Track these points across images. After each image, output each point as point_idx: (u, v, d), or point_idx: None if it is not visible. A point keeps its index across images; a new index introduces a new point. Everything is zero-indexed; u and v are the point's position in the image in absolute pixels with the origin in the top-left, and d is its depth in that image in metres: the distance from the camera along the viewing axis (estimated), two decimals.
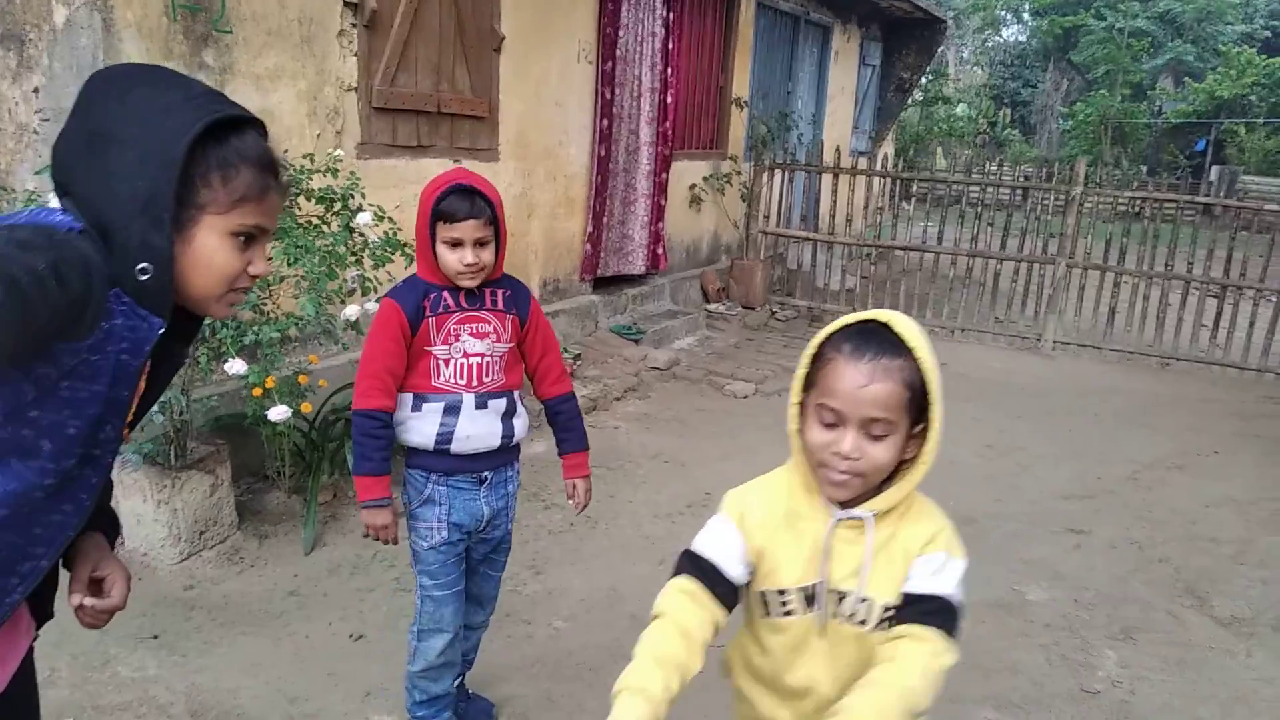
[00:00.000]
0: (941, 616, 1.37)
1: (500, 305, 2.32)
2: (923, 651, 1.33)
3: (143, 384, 1.29)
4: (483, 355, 2.29)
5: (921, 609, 1.37)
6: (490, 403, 2.32)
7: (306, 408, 3.60)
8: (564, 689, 2.90)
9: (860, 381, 1.33)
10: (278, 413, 3.36)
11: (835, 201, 8.68)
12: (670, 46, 7.32)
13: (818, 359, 1.41)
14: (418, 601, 2.43)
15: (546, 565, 3.66)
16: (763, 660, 1.53)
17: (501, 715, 2.76)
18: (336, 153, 3.97)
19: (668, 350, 7.04)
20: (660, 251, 7.66)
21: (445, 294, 2.26)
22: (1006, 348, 8.09)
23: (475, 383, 2.30)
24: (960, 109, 24.99)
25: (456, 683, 2.58)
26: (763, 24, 9.25)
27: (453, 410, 2.28)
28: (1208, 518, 4.59)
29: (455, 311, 2.27)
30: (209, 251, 1.22)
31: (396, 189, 4.82)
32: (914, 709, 1.28)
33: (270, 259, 1.33)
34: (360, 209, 3.75)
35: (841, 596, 1.43)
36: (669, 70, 7.35)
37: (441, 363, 2.27)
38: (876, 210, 8.84)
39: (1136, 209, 8.62)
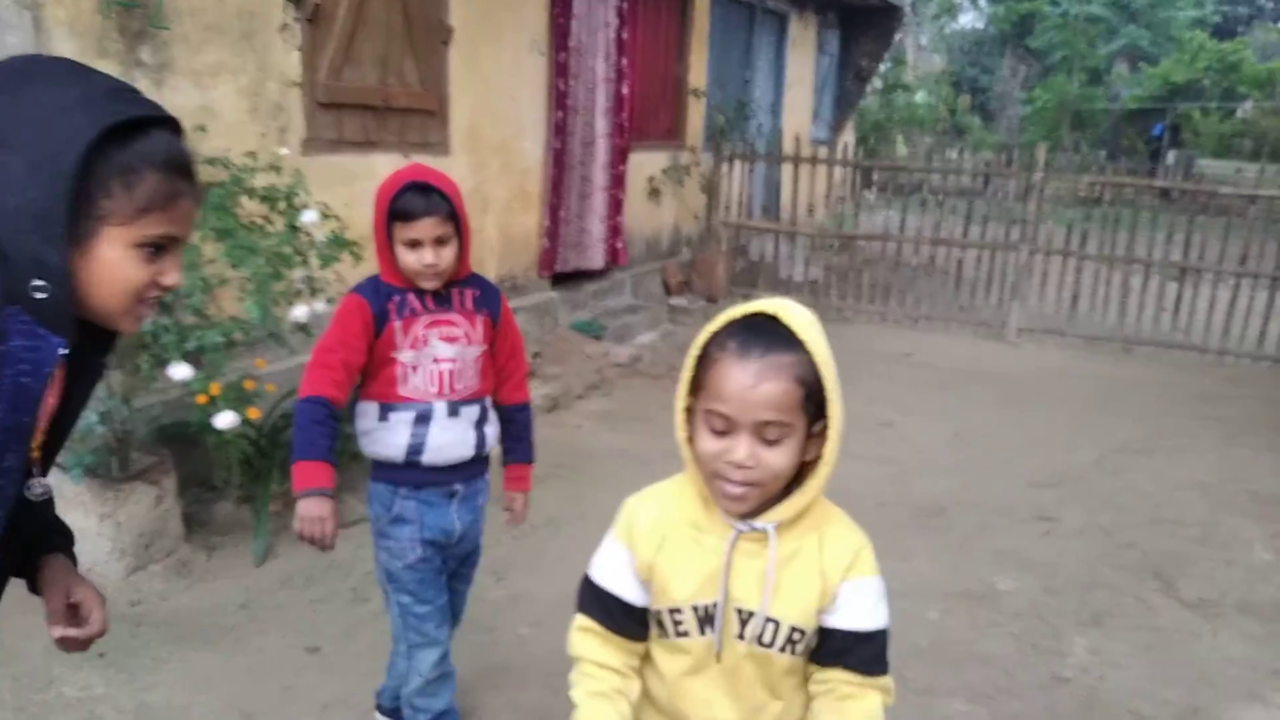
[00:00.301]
0: (882, 656, 1.33)
1: (470, 305, 2.23)
2: (878, 704, 1.30)
3: (52, 401, 1.20)
4: (454, 360, 2.20)
5: (866, 653, 1.31)
6: (463, 410, 2.23)
7: (254, 414, 3.48)
8: (530, 696, 2.83)
9: (748, 382, 1.21)
10: (224, 420, 3.24)
11: (796, 191, 8.64)
12: (624, 37, 7.23)
13: (703, 360, 1.28)
14: (398, 620, 2.32)
15: (510, 570, 3.57)
16: (659, 687, 1.41)
17: None
18: (280, 150, 3.85)
19: (630, 346, 6.96)
20: (620, 246, 7.58)
21: (411, 296, 2.16)
22: (971, 336, 8.10)
23: (447, 390, 2.20)
24: (920, 96, 25.07)
25: None
26: (718, 13, 9.18)
27: (424, 419, 2.19)
28: (1173, 501, 4.60)
29: (423, 314, 2.17)
30: (111, 265, 1.13)
31: (344, 186, 4.69)
32: None
33: (185, 268, 1.23)
34: (306, 207, 3.64)
35: (745, 618, 1.32)
36: (624, 61, 7.25)
37: (410, 369, 2.17)
38: (838, 200, 8.81)
39: (1096, 194, 8.65)
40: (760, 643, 1.32)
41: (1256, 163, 9.64)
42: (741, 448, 1.23)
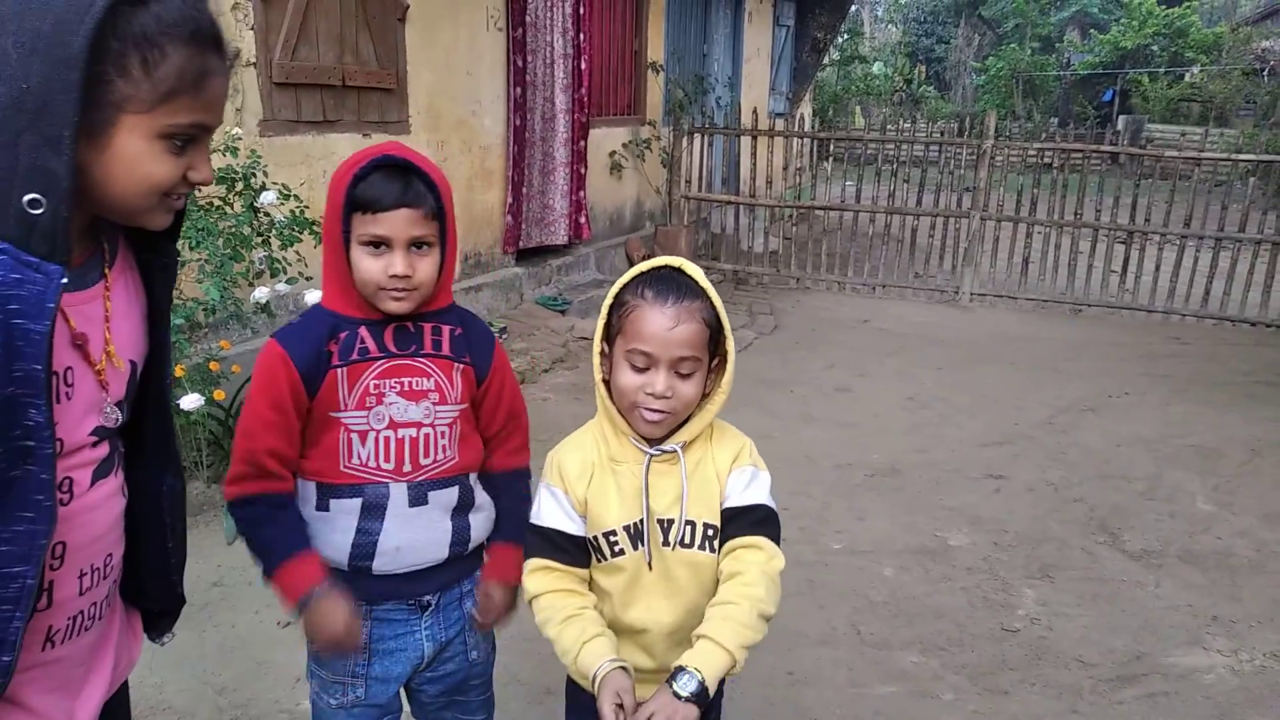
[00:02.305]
0: (765, 525, 1.48)
1: (447, 349, 1.59)
2: (759, 560, 1.44)
3: (107, 331, 1.07)
4: (419, 424, 1.56)
5: (746, 520, 1.48)
6: (432, 495, 1.59)
7: (220, 395, 3.52)
8: (498, 659, 2.89)
9: (668, 325, 1.41)
10: (190, 401, 3.27)
11: (755, 164, 8.71)
12: (581, 11, 7.23)
13: (620, 307, 1.47)
14: None
15: None
16: (604, 606, 1.55)
17: None
18: (234, 131, 3.85)
19: (594, 320, 7.00)
20: (583, 220, 7.62)
21: (363, 331, 1.53)
22: (926, 302, 8.25)
23: (408, 466, 1.56)
24: (876, 68, 25.21)
25: None
26: None
27: (374, 509, 1.55)
28: (1119, 457, 4.76)
29: (379, 359, 1.54)
30: (132, 161, 0.96)
31: (303, 166, 4.70)
32: (764, 614, 1.40)
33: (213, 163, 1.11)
34: (264, 188, 3.65)
35: (667, 526, 1.50)
36: (581, 36, 7.26)
37: (356, 436, 1.53)
38: (796, 171, 8.90)
39: (1047, 160, 8.82)
40: (683, 544, 1.50)
41: (1203, 127, 9.86)
42: (660, 380, 1.43)
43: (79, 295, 1.05)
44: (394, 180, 1.47)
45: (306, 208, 3.84)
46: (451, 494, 1.62)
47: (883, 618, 3.20)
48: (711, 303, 1.46)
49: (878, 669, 2.91)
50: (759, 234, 9.38)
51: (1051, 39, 30.17)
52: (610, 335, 1.50)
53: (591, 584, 1.57)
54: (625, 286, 1.48)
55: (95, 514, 1.12)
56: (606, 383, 1.52)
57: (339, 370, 1.51)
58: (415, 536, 1.58)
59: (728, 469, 1.52)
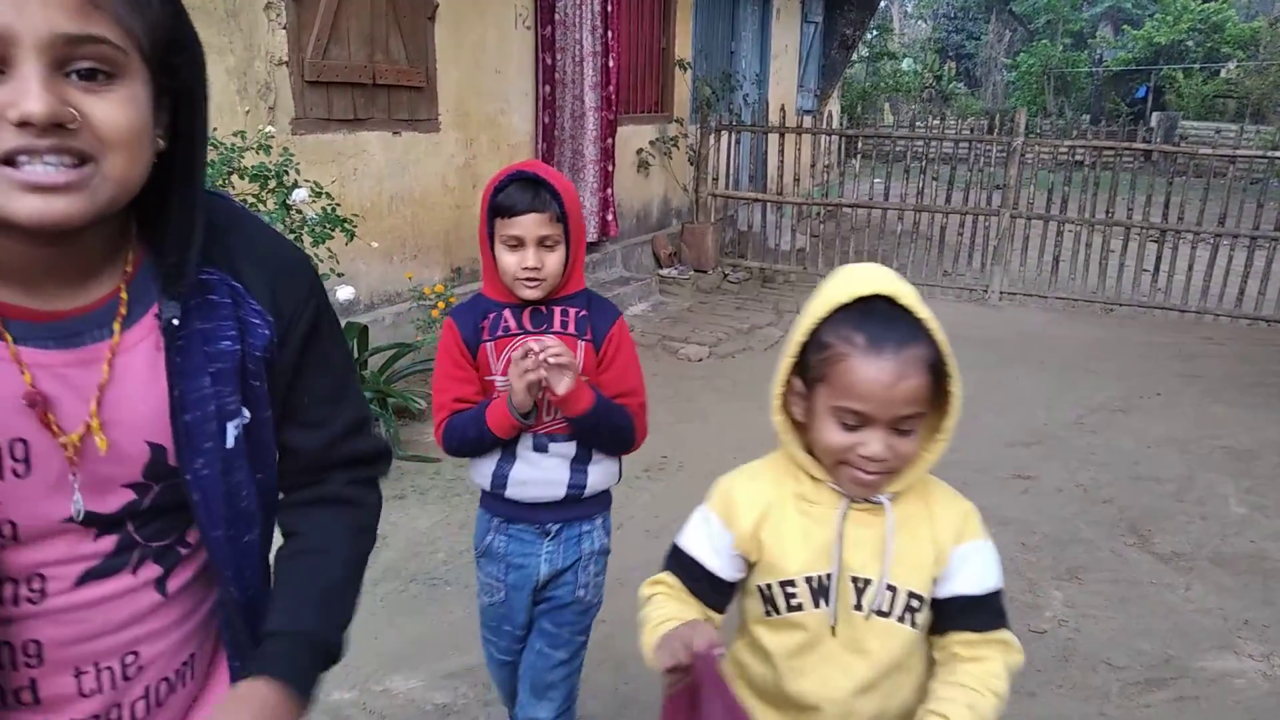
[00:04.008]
0: (1001, 614, 1.29)
1: (571, 328, 1.93)
2: (1004, 653, 1.27)
3: (95, 402, 0.89)
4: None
5: (990, 609, 1.28)
6: (552, 446, 1.95)
7: None
8: None
9: (887, 381, 1.17)
10: None
11: (783, 161, 8.69)
12: (609, 9, 7.24)
13: (820, 347, 1.22)
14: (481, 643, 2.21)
15: None
16: (764, 670, 1.36)
17: (464, 684, 2.77)
18: (267, 129, 3.90)
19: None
20: (610, 218, 7.64)
21: (506, 313, 1.92)
22: (955, 300, 8.20)
23: (535, 421, 1.91)
24: (905, 64, 25.06)
25: None
26: None
27: (509, 453, 1.95)
28: (1150, 458, 4.72)
29: (517, 334, 1.91)
30: None
31: (334, 164, 4.75)
32: (1000, 715, 1.23)
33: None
34: (296, 185, 3.70)
35: (861, 587, 1.29)
36: (609, 34, 7.27)
37: (501, 395, 1.92)
38: (824, 169, 8.87)
39: (1078, 158, 8.73)
40: (879, 612, 1.29)
41: (1239, 124, 9.72)
42: (877, 442, 1.21)
43: (57, 355, 0.87)
44: (526, 190, 1.82)
45: (338, 205, 3.88)
46: (570, 447, 1.95)
47: None
48: (931, 336, 1.21)
49: None
50: (786, 231, 9.35)
51: (1084, 34, 29.82)
52: (805, 374, 1.26)
53: (758, 644, 1.37)
54: (825, 322, 1.23)
55: (89, 612, 0.94)
56: (796, 423, 1.31)
57: (488, 344, 1.92)
58: (537, 476, 1.95)
59: (950, 539, 1.29)
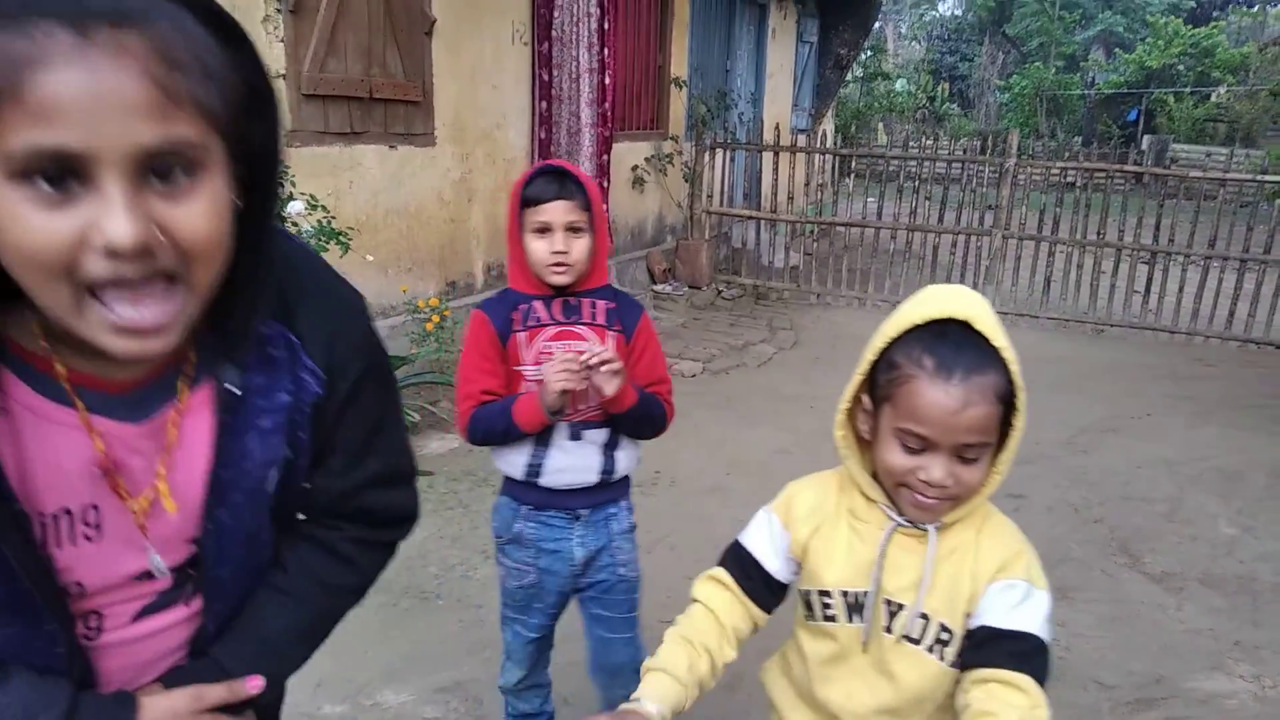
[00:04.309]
0: (1034, 661, 1.19)
1: (600, 319, 2.02)
2: (1022, 706, 1.15)
3: (161, 466, 0.89)
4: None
5: (1007, 650, 1.20)
6: (586, 433, 2.03)
7: None
8: None
9: (952, 407, 1.15)
10: None
11: (777, 179, 8.73)
12: (606, 26, 7.28)
13: (889, 366, 1.21)
14: (501, 621, 2.28)
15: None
16: (799, 668, 1.41)
17: (455, 699, 2.76)
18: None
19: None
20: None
21: (537, 305, 1.99)
22: None
23: (569, 409, 1.99)
24: (899, 84, 25.23)
25: None
26: (698, 2, 9.24)
27: (543, 439, 2.01)
28: (1140, 478, 4.73)
29: (548, 325, 2.00)
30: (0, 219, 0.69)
31: (330, 177, 4.75)
32: None
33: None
34: (292, 198, 3.70)
35: (894, 611, 1.29)
36: (606, 51, 7.31)
37: (533, 385, 1.98)
38: (818, 187, 8.92)
39: (1069, 179, 8.80)
40: (908, 638, 1.28)
41: (1229, 147, 9.80)
42: (938, 468, 1.19)
43: (129, 428, 0.87)
44: (553, 181, 1.93)
45: (334, 218, 3.89)
46: (602, 433, 2.04)
47: None
48: (1007, 369, 1.17)
49: None
50: (780, 249, 9.39)
51: (1076, 58, 30.09)
52: (873, 392, 1.25)
53: (799, 644, 1.41)
54: (896, 342, 1.21)
55: (143, 644, 0.98)
56: (861, 440, 1.30)
57: (520, 334, 1.98)
58: (572, 462, 2.03)
59: (988, 574, 1.25)
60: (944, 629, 1.26)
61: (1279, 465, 4.97)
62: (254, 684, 1.01)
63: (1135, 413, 5.83)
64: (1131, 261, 7.89)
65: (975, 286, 8.29)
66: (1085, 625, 3.32)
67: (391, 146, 5.28)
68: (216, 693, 0.99)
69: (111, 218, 0.68)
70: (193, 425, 0.90)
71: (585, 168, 7.31)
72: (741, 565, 1.40)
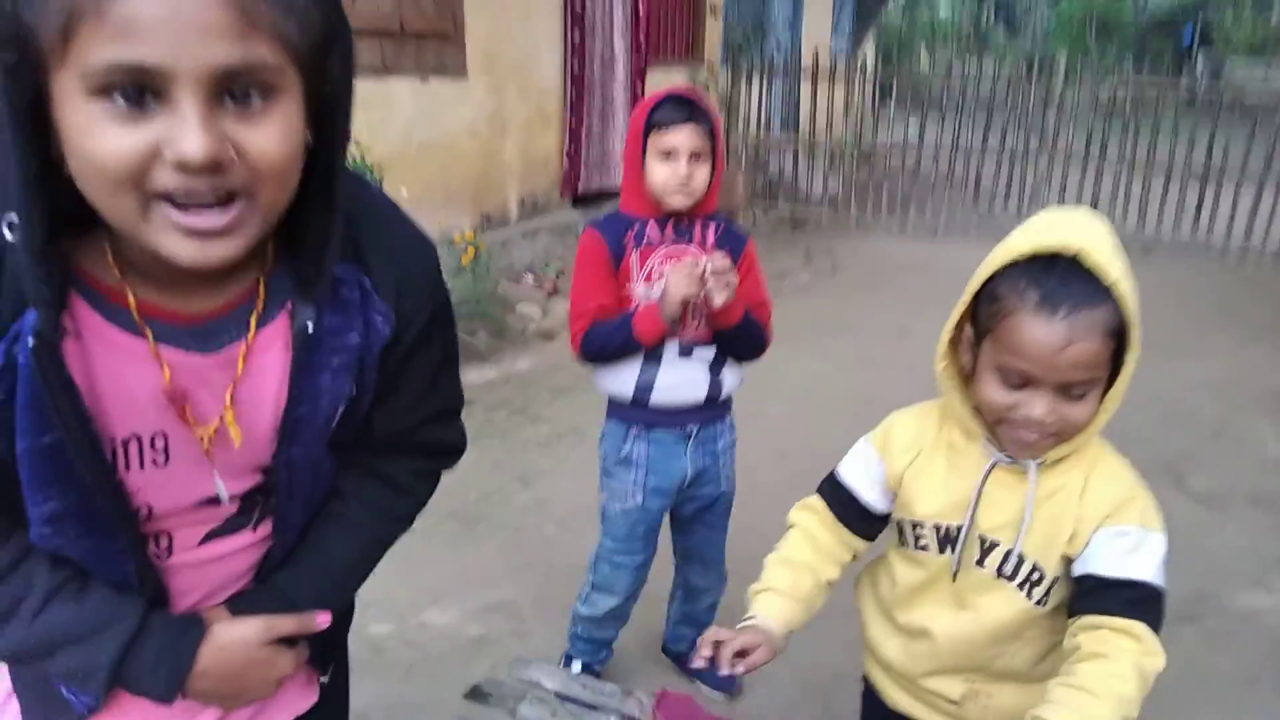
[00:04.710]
0: (1147, 609, 1.14)
1: (711, 241, 2.07)
2: (1134, 651, 1.12)
3: (229, 396, 0.91)
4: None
5: (1120, 597, 1.15)
6: (696, 351, 2.09)
7: None
8: (554, 589, 2.97)
9: (1056, 343, 1.09)
10: None
11: (815, 106, 8.57)
12: None
13: (991, 299, 1.16)
14: (593, 557, 2.33)
15: (535, 476, 3.72)
16: (888, 589, 1.40)
17: (499, 617, 2.83)
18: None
19: None
20: None
21: (650, 226, 2.03)
22: (990, 245, 7.93)
23: (679, 328, 2.04)
24: (943, 7, 24.49)
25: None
26: None
27: (653, 357, 2.06)
28: (1188, 400, 4.66)
29: (660, 245, 2.04)
30: (75, 134, 0.71)
31: (362, 112, 4.72)
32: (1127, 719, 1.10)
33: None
34: None
35: (988, 549, 1.26)
36: None
37: (643, 305, 2.03)
38: (858, 114, 8.74)
39: (1120, 98, 8.52)
40: (1001, 573, 1.26)
41: None
42: (1040, 404, 1.14)
43: (197, 358, 0.88)
44: (682, 108, 1.96)
45: (367, 152, 3.90)
46: (709, 352, 2.10)
47: None
48: (1118, 302, 1.10)
49: None
50: (819, 176, 9.25)
51: None
52: (975, 324, 1.20)
53: (890, 567, 1.40)
54: (1002, 271, 1.15)
55: (212, 566, 1.02)
56: (965, 374, 1.25)
57: (633, 254, 2.02)
58: (681, 379, 2.08)
59: (1096, 518, 1.19)
60: (1036, 569, 1.23)
61: None
62: (323, 619, 1.05)
63: (1183, 335, 5.70)
64: (1182, 182, 7.66)
65: (1020, 212, 8.11)
66: None
67: (423, 80, 5.26)
68: (286, 624, 1.03)
69: (185, 132, 0.70)
70: (263, 361, 0.92)
71: (619, 98, 7.23)
72: (838, 496, 1.40)
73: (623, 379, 2.09)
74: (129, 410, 0.87)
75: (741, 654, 1.24)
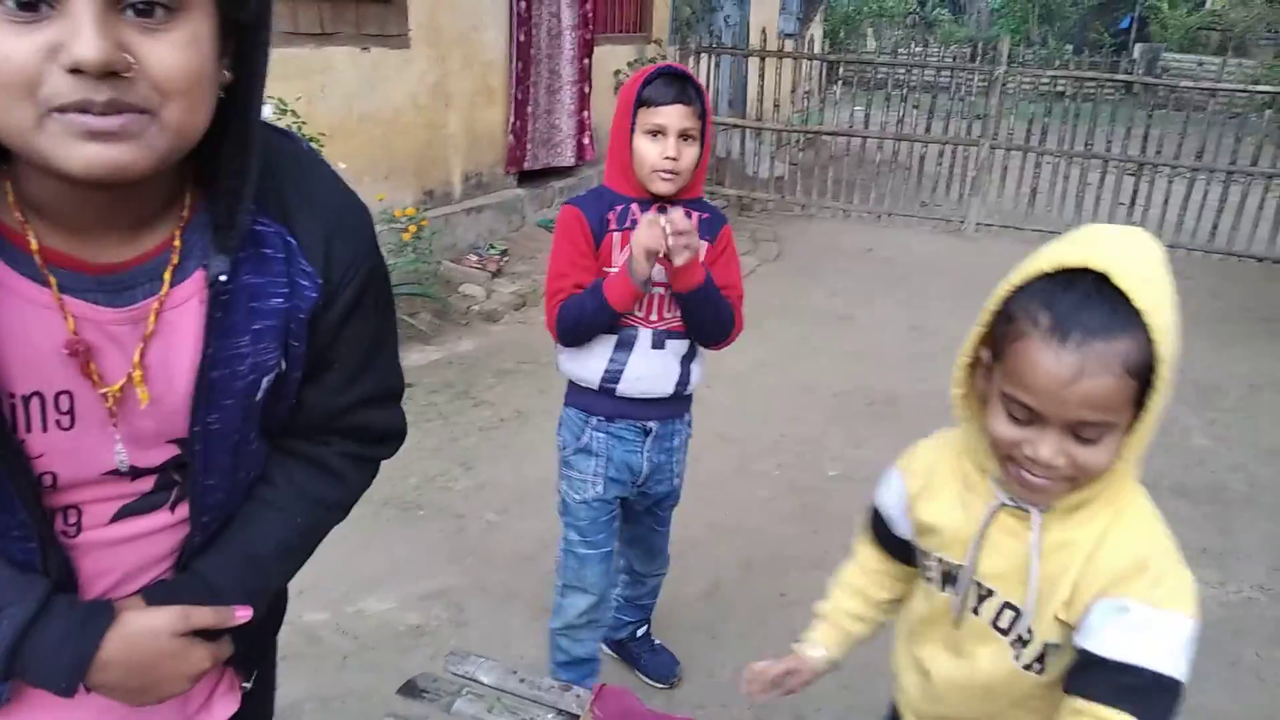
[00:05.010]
0: (1144, 701, 0.98)
1: (695, 226, 1.94)
2: None
3: (138, 355, 0.86)
4: (667, 284, 1.95)
5: (1116, 683, 0.99)
6: (669, 343, 2.03)
7: None
8: (496, 578, 2.95)
9: (1064, 376, 0.95)
10: None
11: (763, 86, 8.55)
12: None
13: (1005, 319, 1.03)
14: (560, 555, 2.24)
15: (477, 461, 3.68)
16: (907, 615, 1.34)
17: (438, 605, 2.80)
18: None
19: None
20: (586, 141, 7.51)
21: (634, 207, 1.95)
22: (932, 231, 8.18)
23: (654, 315, 1.99)
24: None
25: (641, 632, 2.56)
26: None
27: (625, 345, 2.00)
28: None
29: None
30: None
31: (300, 80, 4.60)
32: None
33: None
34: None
35: (984, 594, 1.16)
36: None
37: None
38: (805, 95, 8.74)
39: (1059, 89, 8.66)
40: (996, 625, 1.15)
41: (1221, 56, 9.65)
42: (1047, 445, 1.00)
43: (106, 312, 0.84)
44: (672, 85, 1.88)
45: (304, 123, 3.78)
46: (683, 344, 2.05)
47: None
48: (1148, 332, 0.94)
49: None
50: (765, 159, 9.25)
51: None
52: (995, 347, 1.06)
53: (913, 587, 1.34)
54: (1018, 291, 1.02)
55: (125, 548, 0.95)
56: (983, 400, 1.11)
57: (614, 234, 1.95)
58: (652, 370, 2.02)
59: (1097, 586, 1.03)
60: (1029, 629, 1.10)
61: (1255, 378, 5.02)
62: (242, 614, 0.99)
63: None
64: (1118, 173, 7.82)
65: (961, 198, 8.22)
66: None
67: (364, 48, 5.12)
68: (203, 616, 0.95)
69: (78, 34, 0.67)
70: (178, 319, 0.86)
71: (566, 72, 7.13)
72: (873, 521, 1.37)
73: (591, 365, 2.02)
74: (31, 364, 0.81)
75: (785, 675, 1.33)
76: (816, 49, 8.90)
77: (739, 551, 3.18)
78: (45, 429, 0.84)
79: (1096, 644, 1.01)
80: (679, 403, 2.14)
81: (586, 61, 7.28)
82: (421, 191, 5.79)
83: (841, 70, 9.63)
